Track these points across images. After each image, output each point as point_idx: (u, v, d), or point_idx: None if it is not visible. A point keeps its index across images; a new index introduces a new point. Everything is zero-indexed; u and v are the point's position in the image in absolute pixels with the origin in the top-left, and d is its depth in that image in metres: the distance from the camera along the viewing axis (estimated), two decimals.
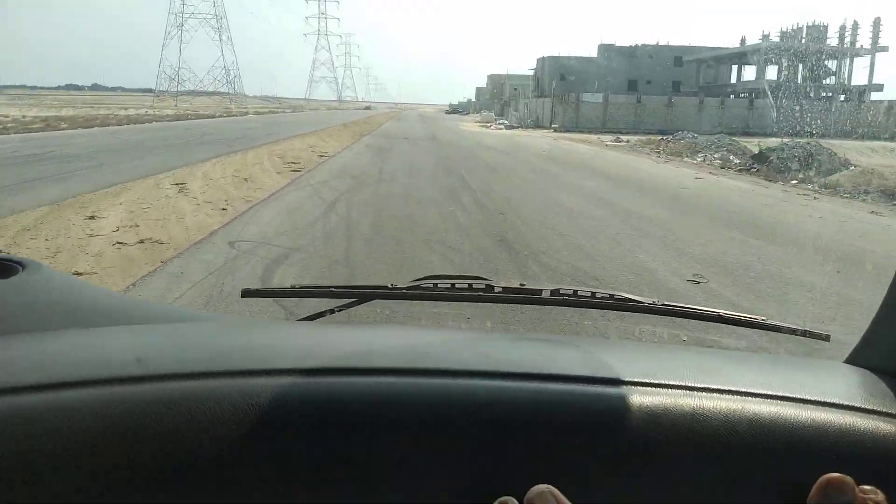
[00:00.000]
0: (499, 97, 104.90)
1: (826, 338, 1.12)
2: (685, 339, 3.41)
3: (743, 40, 57.11)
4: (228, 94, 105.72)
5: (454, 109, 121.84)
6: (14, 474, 0.57)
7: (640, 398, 0.67)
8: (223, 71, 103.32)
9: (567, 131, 41.47)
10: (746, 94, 49.68)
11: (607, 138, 34.03)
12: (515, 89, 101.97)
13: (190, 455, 0.60)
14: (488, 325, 3.70)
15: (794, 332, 1.11)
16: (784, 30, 52.53)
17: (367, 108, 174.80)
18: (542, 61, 63.81)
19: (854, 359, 0.87)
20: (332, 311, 1.22)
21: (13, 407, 0.61)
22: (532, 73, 69.80)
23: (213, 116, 52.76)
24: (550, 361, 0.76)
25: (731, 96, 50.97)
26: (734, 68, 57.56)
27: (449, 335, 0.96)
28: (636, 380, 0.70)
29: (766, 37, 53.11)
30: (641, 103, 44.23)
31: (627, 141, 32.05)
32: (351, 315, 1.26)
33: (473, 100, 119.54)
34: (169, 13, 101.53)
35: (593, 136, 35.94)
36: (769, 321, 1.09)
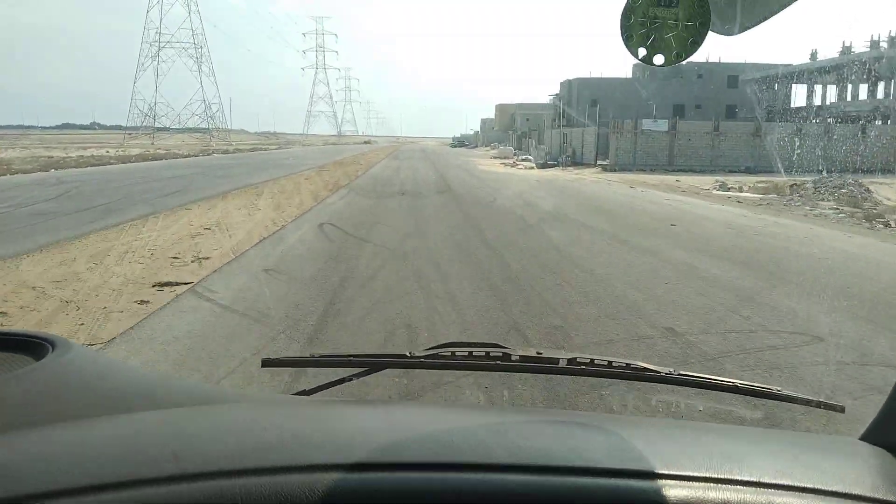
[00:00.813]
0: (509, 128, 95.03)
1: (841, 409, 1.14)
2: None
3: (814, 54, 46.94)
4: (209, 129, 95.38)
5: (459, 142, 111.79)
6: None
7: (668, 492, 0.68)
8: (203, 105, 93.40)
9: (622, 170, 30.85)
10: (837, 119, 39.05)
11: (702, 183, 23.25)
12: (528, 119, 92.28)
13: None
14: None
15: (808, 402, 1.14)
16: (875, 38, 42.17)
17: (367, 142, 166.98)
18: (567, 85, 53.51)
19: (871, 436, 0.87)
20: (350, 379, 1.22)
21: None
22: (551, 99, 59.71)
23: (181, 156, 45.74)
24: (577, 451, 0.77)
25: (815, 121, 40.34)
26: (795, 89, 47.23)
27: (472, 418, 0.97)
28: (663, 472, 0.70)
29: (847, 49, 42.89)
30: (719, 132, 33.52)
31: (744, 189, 21.16)
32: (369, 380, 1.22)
33: (479, 131, 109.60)
34: (142, 42, 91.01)
35: (671, 179, 25.26)
36: (784, 392, 1.11)
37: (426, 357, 1.18)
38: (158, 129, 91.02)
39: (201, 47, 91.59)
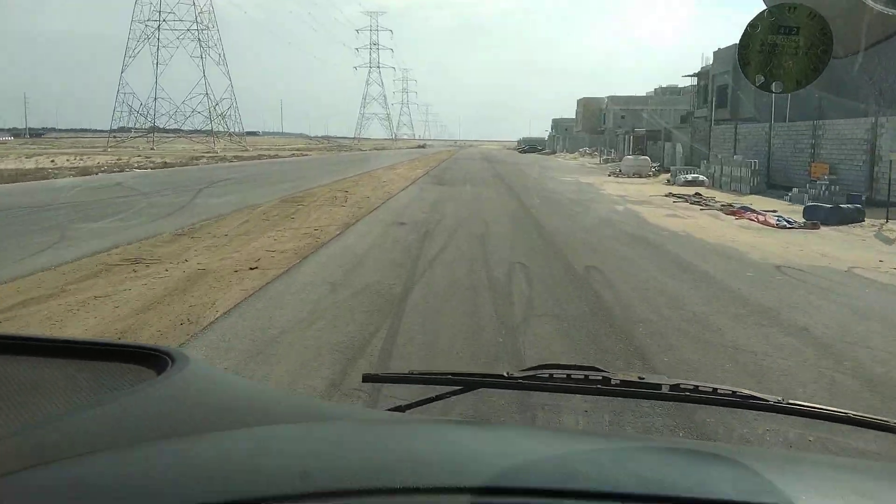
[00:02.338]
0: (596, 128, 74.76)
1: None
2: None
3: None
4: (215, 132, 75.40)
5: (530, 146, 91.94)
6: None
7: None
8: (203, 99, 73.57)
9: None
10: None
11: None
12: (623, 117, 71.83)
13: None
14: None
15: None
16: None
17: (422, 146, 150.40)
18: (721, 56, 32.97)
19: None
20: (446, 397, 1.23)
21: None
22: (686, 89, 39.81)
23: (167, 165, 34.34)
24: (705, 484, 0.75)
25: None
26: None
27: (587, 443, 0.95)
28: None
29: None
30: None
31: None
32: (465, 399, 1.07)
33: (553, 133, 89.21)
34: (133, 21, 71.06)
35: None
36: None
37: (524, 378, 1.18)
38: (149, 131, 73.54)
39: (208, 28, 74.21)
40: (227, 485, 0.68)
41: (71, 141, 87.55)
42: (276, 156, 53.61)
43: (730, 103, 29.81)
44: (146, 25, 71.88)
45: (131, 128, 74.52)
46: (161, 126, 74.17)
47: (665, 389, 1.14)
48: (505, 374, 1.18)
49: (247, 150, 66.54)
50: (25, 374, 0.96)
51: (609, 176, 29.24)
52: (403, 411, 1.19)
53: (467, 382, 1.23)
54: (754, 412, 1.25)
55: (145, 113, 72.24)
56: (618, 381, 1.15)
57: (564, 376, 1.18)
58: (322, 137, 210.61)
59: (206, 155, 48.58)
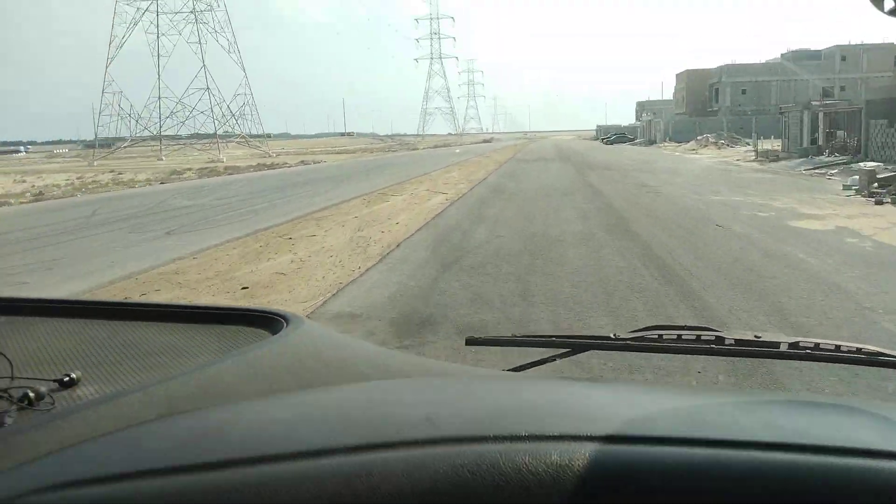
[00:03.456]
0: (705, 108, 58.18)
1: None
2: None
3: None
4: (224, 135, 61.35)
5: (617, 136, 75.76)
6: None
7: None
8: (205, 94, 58.94)
9: None
10: None
11: None
12: (744, 92, 55.08)
13: None
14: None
15: None
16: None
17: (487, 140, 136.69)
18: None
19: None
20: (554, 359, 1.21)
21: (331, 468, 0.62)
22: None
23: (144, 182, 26.63)
24: (844, 432, 0.71)
25: None
26: None
27: (711, 397, 0.91)
28: None
29: None
30: None
31: None
32: (572, 363, 1.27)
33: (648, 117, 72.34)
34: (117, 1, 56.55)
35: None
36: None
37: (633, 339, 1.16)
38: (151, 138, 59.86)
39: (211, 9, 61.70)
40: (360, 429, 0.69)
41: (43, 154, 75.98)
42: (285, 164, 40.88)
43: None
44: (136, 9, 58.94)
45: (118, 137, 61.03)
46: (167, 131, 60.76)
47: (784, 348, 1.10)
48: (612, 336, 1.17)
49: (269, 156, 54.56)
50: (158, 338, 1.05)
51: (866, 201, 14.09)
52: (516, 373, 1.16)
53: (575, 345, 1.20)
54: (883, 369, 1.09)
55: (147, 116, 59.49)
56: (732, 341, 1.12)
57: (675, 337, 1.15)
58: (385, 136, 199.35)
59: (189, 170, 36.33)
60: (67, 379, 0.86)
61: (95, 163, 48.32)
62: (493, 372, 1.24)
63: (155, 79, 57.12)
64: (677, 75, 65.78)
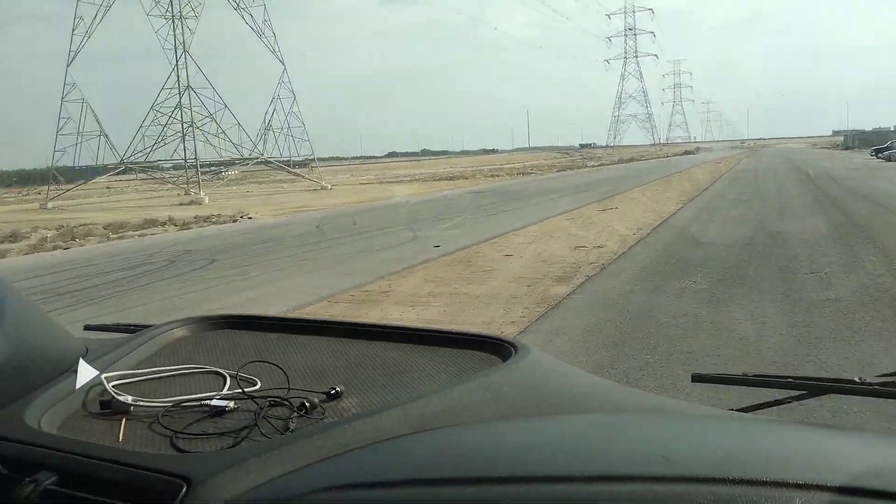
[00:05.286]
0: None
1: None
2: None
3: None
4: (261, 159, 42.26)
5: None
6: None
7: None
8: (187, 99, 37.64)
9: None
10: None
11: None
12: None
13: None
14: None
15: None
16: None
17: (689, 152, 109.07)
18: None
19: None
20: (788, 401, 1.15)
21: (573, 495, 0.64)
22: None
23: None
24: None
25: None
26: None
27: None
28: None
29: None
30: None
31: None
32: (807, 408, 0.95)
33: None
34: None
35: None
36: None
37: (881, 385, 1.05)
38: (149, 166, 41.12)
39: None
40: (595, 459, 0.71)
41: None
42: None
43: None
44: None
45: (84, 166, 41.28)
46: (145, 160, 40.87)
47: None
48: (857, 380, 1.07)
49: (323, 188, 37.22)
50: (403, 357, 1.12)
51: None
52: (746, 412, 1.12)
53: (813, 387, 1.12)
54: None
55: (162, 141, 39.09)
56: None
57: None
58: (569, 148, 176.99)
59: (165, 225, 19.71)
60: (333, 392, 0.94)
61: (50, 204, 34.32)
62: (723, 412, 1.14)
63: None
64: None
